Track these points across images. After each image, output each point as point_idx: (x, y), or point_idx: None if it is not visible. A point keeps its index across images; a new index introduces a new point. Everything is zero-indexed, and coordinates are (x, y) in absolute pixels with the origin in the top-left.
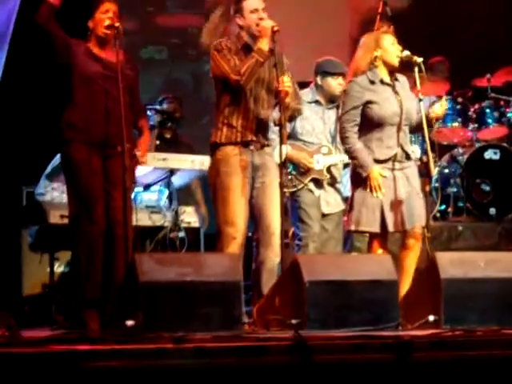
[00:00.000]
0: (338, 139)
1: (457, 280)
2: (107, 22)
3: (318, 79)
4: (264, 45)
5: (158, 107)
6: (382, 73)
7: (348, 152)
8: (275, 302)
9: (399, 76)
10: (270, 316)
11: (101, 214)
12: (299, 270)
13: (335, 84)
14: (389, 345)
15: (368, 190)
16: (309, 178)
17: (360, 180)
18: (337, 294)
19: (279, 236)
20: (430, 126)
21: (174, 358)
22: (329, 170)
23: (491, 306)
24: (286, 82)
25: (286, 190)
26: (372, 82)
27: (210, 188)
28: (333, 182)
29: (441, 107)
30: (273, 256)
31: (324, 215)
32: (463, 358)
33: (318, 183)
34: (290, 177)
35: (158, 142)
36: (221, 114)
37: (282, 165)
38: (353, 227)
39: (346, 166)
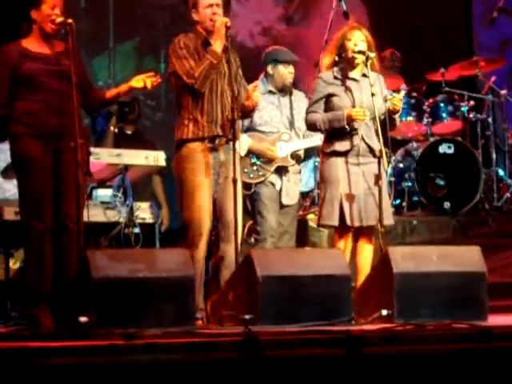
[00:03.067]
0: (297, 125)
1: (409, 274)
2: (60, 20)
3: (269, 68)
4: (217, 46)
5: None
6: (351, 69)
7: (320, 129)
8: (229, 297)
9: (371, 73)
10: (224, 311)
11: (49, 211)
12: (252, 264)
13: (286, 72)
14: (339, 339)
15: (329, 184)
16: (274, 167)
17: (322, 175)
18: (290, 288)
19: (239, 231)
20: (391, 121)
21: (126, 355)
22: (293, 156)
23: (443, 300)
24: (255, 97)
25: (252, 180)
26: (336, 78)
27: (176, 185)
28: (294, 174)
29: (397, 100)
30: (232, 251)
31: (280, 209)
32: (414, 352)
33: (281, 173)
34: (255, 167)
35: (116, 133)
36: (185, 110)
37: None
38: (316, 222)
39: (305, 159)
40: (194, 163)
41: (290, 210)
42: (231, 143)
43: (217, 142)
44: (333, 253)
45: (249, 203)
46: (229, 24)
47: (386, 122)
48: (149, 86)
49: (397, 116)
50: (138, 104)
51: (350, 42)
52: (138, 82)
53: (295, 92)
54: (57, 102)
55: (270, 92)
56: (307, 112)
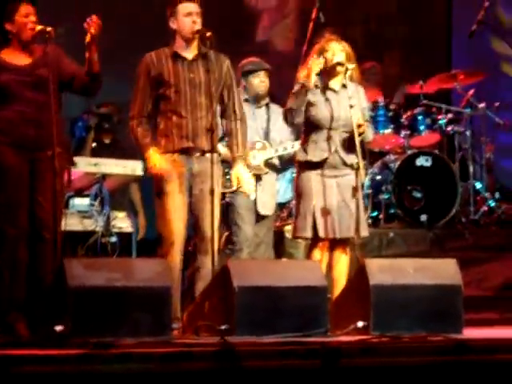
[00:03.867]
0: (272, 136)
1: (386, 286)
2: (39, 28)
3: (243, 80)
4: None
5: (94, 110)
6: (330, 79)
7: (292, 115)
8: (205, 307)
9: (351, 84)
10: (200, 322)
11: (24, 218)
12: (229, 275)
13: (257, 82)
14: (316, 351)
15: (303, 197)
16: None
17: (297, 188)
18: (266, 299)
19: (216, 242)
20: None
21: (101, 364)
22: (267, 164)
23: (419, 313)
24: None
25: (225, 190)
26: (316, 86)
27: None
28: (270, 183)
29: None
30: (209, 262)
31: (256, 219)
32: (391, 365)
33: (256, 182)
34: (228, 177)
35: (94, 145)
36: (157, 127)
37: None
38: (291, 234)
39: (282, 170)
40: (166, 173)
41: (266, 221)
42: (208, 155)
43: (189, 153)
44: (309, 264)
45: (224, 213)
46: (208, 34)
47: (355, 134)
48: (92, 31)
49: (368, 133)
50: (117, 113)
51: (329, 53)
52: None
53: (272, 106)
54: (33, 112)
55: (246, 101)
56: (284, 109)
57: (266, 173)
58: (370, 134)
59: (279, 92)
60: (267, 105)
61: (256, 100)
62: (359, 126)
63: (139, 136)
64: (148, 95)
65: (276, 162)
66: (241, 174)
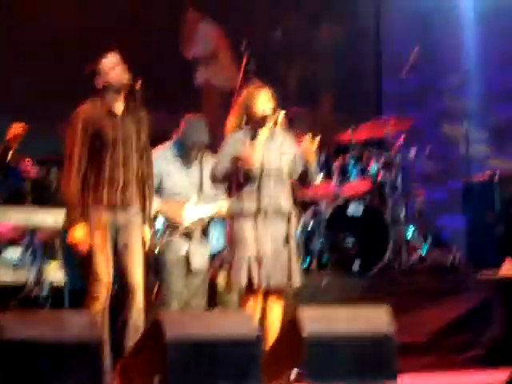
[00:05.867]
0: (205, 190)
1: (319, 335)
2: None
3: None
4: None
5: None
6: (259, 128)
7: (221, 179)
8: (137, 360)
9: (279, 130)
10: (132, 375)
11: None
12: (161, 327)
13: (195, 133)
14: None
15: (237, 246)
16: (179, 231)
17: (230, 237)
18: (199, 351)
19: (143, 294)
20: (307, 175)
21: None
22: (199, 221)
23: (353, 362)
24: None
25: (158, 244)
26: (245, 138)
27: None
28: (202, 237)
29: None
30: (137, 314)
31: (188, 272)
32: None
33: (187, 237)
34: (161, 231)
35: (30, 195)
36: (88, 181)
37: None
38: (226, 284)
39: (214, 219)
40: (91, 226)
41: (199, 273)
42: (133, 208)
43: (116, 207)
44: (243, 314)
45: (153, 266)
46: (138, 85)
47: (296, 182)
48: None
49: (313, 168)
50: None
51: (258, 102)
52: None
53: (206, 157)
54: None
55: (180, 156)
56: (214, 165)
57: (199, 229)
58: (314, 175)
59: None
60: (201, 160)
61: (191, 150)
62: (308, 159)
63: (70, 196)
64: (81, 150)
65: (207, 217)
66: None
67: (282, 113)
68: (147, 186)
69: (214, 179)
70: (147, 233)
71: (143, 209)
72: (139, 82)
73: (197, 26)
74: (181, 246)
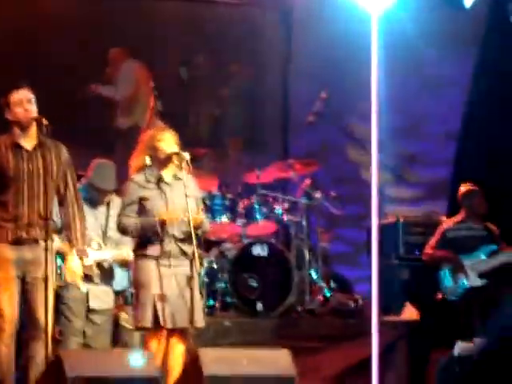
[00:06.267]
0: (109, 234)
1: (220, 377)
2: None
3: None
4: None
5: None
6: (162, 170)
7: (132, 232)
8: None
9: (184, 174)
10: None
11: None
12: (62, 365)
13: (101, 178)
14: None
15: (142, 286)
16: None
17: (135, 278)
18: None
19: (49, 330)
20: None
21: None
22: (99, 265)
23: None
24: None
25: (58, 283)
26: (148, 181)
27: None
28: (105, 278)
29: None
30: (42, 350)
31: (90, 311)
32: None
33: (87, 278)
34: (59, 271)
35: None
36: None
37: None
38: (128, 322)
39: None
40: None
41: (101, 312)
42: (42, 242)
43: (22, 243)
44: (144, 354)
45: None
46: (44, 121)
47: (190, 224)
48: None
49: (206, 225)
50: None
51: (163, 144)
52: None
53: (114, 202)
54: None
55: (88, 198)
56: (119, 215)
57: (96, 274)
58: (207, 225)
59: None
60: (108, 203)
61: (98, 194)
62: (195, 218)
63: None
64: None
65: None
66: (75, 266)
67: (187, 155)
68: (77, 210)
69: (123, 233)
70: (53, 267)
71: (50, 244)
72: (44, 119)
73: (120, 66)
74: (81, 285)
